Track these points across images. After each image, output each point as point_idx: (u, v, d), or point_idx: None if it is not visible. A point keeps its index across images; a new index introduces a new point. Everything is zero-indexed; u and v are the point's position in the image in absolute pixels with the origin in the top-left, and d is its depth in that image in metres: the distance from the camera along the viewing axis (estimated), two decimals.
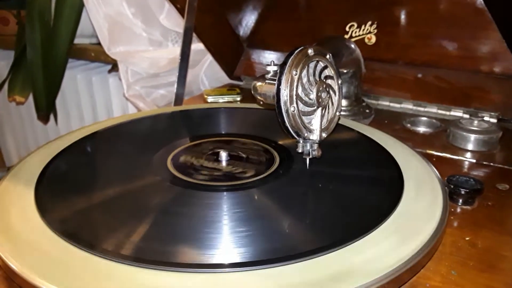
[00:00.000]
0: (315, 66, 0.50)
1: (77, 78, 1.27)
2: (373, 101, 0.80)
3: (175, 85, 0.80)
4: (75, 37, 1.19)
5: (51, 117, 1.32)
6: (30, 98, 1.28)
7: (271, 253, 0.35)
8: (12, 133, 1.55)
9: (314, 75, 0.49)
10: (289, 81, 0.46)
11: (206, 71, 1.01)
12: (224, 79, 0.98)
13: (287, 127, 0.48)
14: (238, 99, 0.82)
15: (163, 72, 1.05)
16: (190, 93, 0.98)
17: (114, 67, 1.18)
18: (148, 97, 1.06)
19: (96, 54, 1.21)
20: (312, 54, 0.48)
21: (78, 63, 1.31)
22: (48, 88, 1.20)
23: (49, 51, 1.17)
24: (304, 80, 0.48)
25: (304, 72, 0.48)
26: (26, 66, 1.20)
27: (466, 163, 0.59)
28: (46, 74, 1.18)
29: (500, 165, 0.58)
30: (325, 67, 0.51)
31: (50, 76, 1.19)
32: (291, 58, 0.47)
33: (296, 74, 0.47)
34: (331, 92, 0.51)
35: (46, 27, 1.16)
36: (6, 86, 1.29)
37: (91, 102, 1.30)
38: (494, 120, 0.71)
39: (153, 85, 1.06)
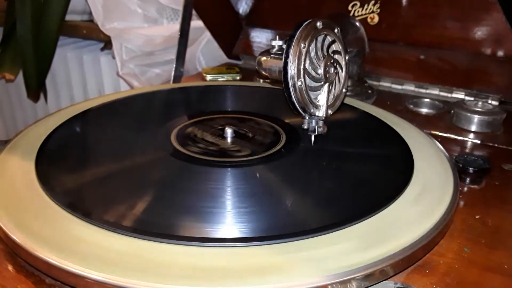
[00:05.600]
0: (323, 40, 0.48)
1: (67, 56, 1.24)
2: (375, 82, 0.79)
3: (174, 62, 0.78)
4: (66, 13, 1.15)
5: (41, 96, 1.28)
6: (19, 76, 1.25)
7: (277, 229, 0.34)
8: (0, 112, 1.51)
9: (322, 49, 0.48)
10: (297, 54, 0.45)
11: (203, 50, 0.99)
12: (222, 58, 0.96)
13: (293, 102, 0.46)
14: (238, 78, 0.80)
15: (158, 50, 1.02)
16: (186, 72, 0.96)
17: (107, 44, 1.15)
18: (143, 76, 1.03)
19: (87, 32, 1.18)
20: (321, 27, 0.47)
21: (69, 41, 1.27)
22: (38, 66, 1.16)
23: (39, 27, 1.13)
24: (312, 54, 0.47)
25: (312, 45, 0.47)
26: (16, 43, 1.16)
27: (471, 143, 0.59)
28: (37, 51, 1.15)
29: (504, 146, 0.57)
30: (333, 42, 0.49)
31: (41, 53, 1.15)
32: (299, 31, 0.45)
33: (304, 47, 0.45)
34: (338, 68, 0.50)
35: (37, 2, 1.12)
36: None
37: (82, 81, 1.26)
38: (496, 103, 0.70)
39: (148, 64, 1.03)
